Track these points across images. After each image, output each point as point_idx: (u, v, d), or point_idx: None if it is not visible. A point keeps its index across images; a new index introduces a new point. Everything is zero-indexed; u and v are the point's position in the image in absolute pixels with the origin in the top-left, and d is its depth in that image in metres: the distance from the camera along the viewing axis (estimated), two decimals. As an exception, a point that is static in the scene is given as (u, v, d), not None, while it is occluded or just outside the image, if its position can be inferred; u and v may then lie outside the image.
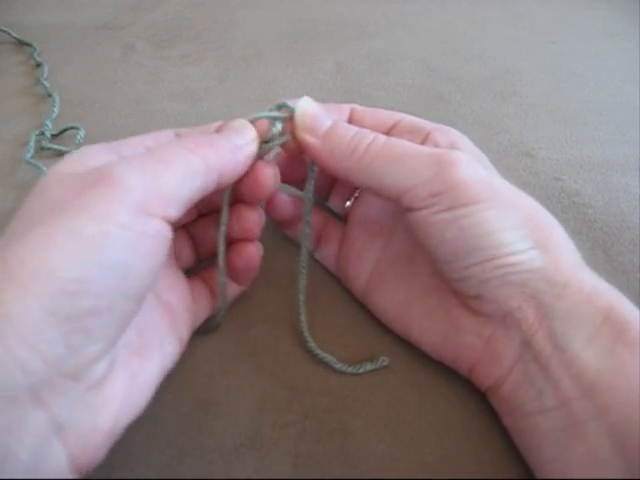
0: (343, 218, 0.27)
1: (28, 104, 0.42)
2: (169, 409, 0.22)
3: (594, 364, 0.18)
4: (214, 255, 0.23)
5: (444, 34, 0.53)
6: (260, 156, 0.22)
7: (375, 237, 0.25)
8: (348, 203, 0.27)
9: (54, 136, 0.37)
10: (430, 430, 0.21)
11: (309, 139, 0.21)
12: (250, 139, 0.21)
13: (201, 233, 0.25)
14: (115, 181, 0.16)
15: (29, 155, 0.35)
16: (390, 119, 0.24)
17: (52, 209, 0.16)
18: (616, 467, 0.17)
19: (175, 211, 0.18)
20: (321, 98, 0.23)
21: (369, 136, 0.21)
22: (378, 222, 0.25)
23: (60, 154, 0.36)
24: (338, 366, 0.23)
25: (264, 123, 0.22)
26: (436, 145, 0.22)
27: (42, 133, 0.37)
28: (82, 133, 0.37)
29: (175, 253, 0.24)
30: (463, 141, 0.23)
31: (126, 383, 0.18)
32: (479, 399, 0.22)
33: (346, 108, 0.25)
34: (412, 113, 0.25)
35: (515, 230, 0.19)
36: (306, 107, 0.22)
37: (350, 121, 0.24)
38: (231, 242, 0.24)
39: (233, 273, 0.24)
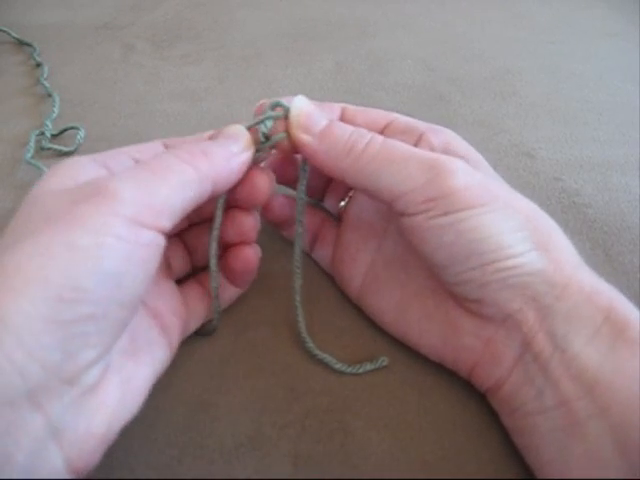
0: (338, 219, 0.27)
1: (28, 104, 0.42)
2: (169, 410, 0.22)
3: (594, 363, 0.18)
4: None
5: (444, 34, 0.53)
6: (255, 162, 0.22)
7: (369, 238, 0.25)
8: (342, 203, 0.27)
9: (54, 136, 0.37)
10: (430, 430, 0.21)
11: (305, 138, 0.21)
12: (245, 146, 0.21)
13: (195, 241, 0.25)
14: (110, 195, 0.17)
15: (29, 155, 0.35)
16: (383, 119, 0.24)
17: (47, 220, 0.16)
18: (616, 466, 0.17)
19: (168, 222, 0.18)
20: (321, 98, 0.23)
21: (366, 136, 0.21)
22: (371, 223, 0.25)
23: (60, 154, 0.36)
24: (337, 366, 0.23)
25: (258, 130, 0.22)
26: (430, 146, 0.22)
27: (42, 133, 0.37)
28: (82, 133, 0.37)
29: (165, 261, 0.23)
30: (457, 141, 0.23)
31: (119, 388, 0.18)
32: (479, 399, 0.22)
33: (337, 108, 0.25)
34: (412, 113, 0.25)
35: (514, 232, 0.19)
36: (301, 106, 0.22)
37: (341, 121, 0.24)
38: (228, 246, 0.24)
39: (231, 276, 0.24)
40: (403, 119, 0.24)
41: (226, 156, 0.20)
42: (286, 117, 0.22)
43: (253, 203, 0.23)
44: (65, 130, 0.38)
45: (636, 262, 0.29)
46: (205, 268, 0.24)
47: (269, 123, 0.22)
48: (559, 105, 0.42)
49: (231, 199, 0.22)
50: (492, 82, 0.45)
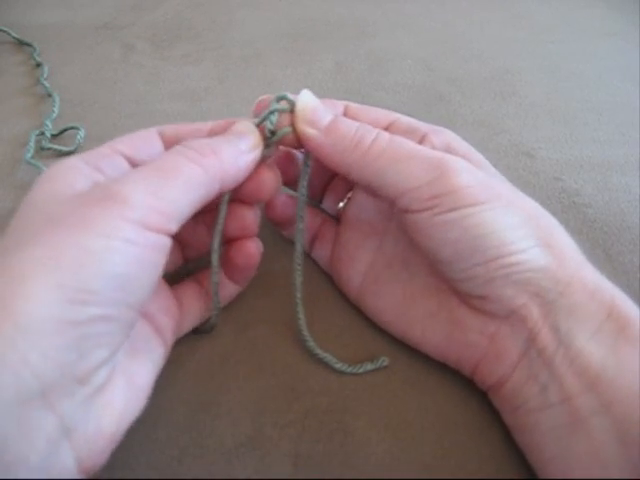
0: (337, 220, 0.27)
1: (28, 104, 0.42)
2: (169, 409, 0.22)
3: (597, 360, 0.18)
4: (202, 256, 0.23)
5: (444, 34, 0.53)
6: (262, 159, 0.22)
7: (368, 238, 0.25)
8: (341, 204, 0.27)
9: (54, 136, 0.37)
10: (430, 430, 0.21)
11: (310, 132, 0.21)
12: (254, 144, 0.21)
13: (187, 234, 0.24)
14: (121, 199, 0.17)
15: (29, 155, 0.35)
16: (385, 119, 0.24)
17: (53, 223, 0.16)
18: (619, 463, 0.17)
19: (176, 224, 0.18)
20: (321, 98, 0.23)
21: (372, 132, 0.21)
22: (371, 223, 0.25)
23: (60, 154, 0.36)
24: (338, 366, 0.23)
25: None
26: (432, 146, 0.22)
27: (42, 133, 0.37)
28: (82, 133, 0.37)
29: None
30: (459, 142, 0.23)
31: (125, 387, 0.18)
32: (480, 398, 0.22)
33: (340, 105, 0.25)
34: (412, 113, 0.25)
35: (517, 229, 0.19)
36: (307, 100, 0.22)
37: None
38: (227, 240, 0.24)
39: (231, 271, 0.24)
40: (405, 119, 0.24)
41: (235, 154, 0.20)
42: (292, 111, 0.22)
43: (258, 199, 0.23)
44: (65, 130, 0.38)
45: (636, 262, 0.29)
46: (198, 262, 0.24)
47: (274, 118, 0.22)
48: (559, 105, 0.42)
49: (235, 194, 0.22)
50: (492, 82, 0.45)
